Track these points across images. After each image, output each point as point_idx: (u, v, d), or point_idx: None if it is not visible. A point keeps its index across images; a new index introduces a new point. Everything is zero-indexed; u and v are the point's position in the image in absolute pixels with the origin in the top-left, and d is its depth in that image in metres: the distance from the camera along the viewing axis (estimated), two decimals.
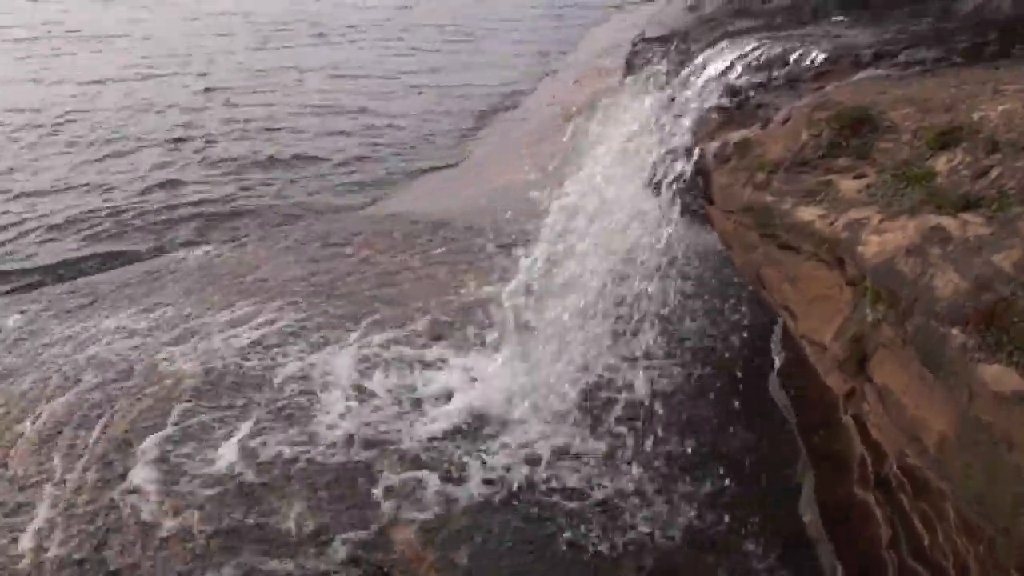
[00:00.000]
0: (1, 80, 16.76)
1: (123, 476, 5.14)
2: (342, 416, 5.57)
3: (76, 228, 9.55)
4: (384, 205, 9.99)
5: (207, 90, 15.78)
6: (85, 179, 11.25)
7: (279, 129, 13.36)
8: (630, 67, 5.52)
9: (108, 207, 10.21)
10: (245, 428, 5.48)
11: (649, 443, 5.16)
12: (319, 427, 5.49)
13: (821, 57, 4.28)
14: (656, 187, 4.75)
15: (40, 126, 13.61)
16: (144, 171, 11.51)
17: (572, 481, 4.96)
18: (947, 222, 2.89)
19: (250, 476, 5.08)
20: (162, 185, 10.95)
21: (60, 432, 5.59)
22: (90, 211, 10.05)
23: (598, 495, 4.85)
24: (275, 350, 6.45)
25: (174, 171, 11.53)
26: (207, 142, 12.86)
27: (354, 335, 6.62)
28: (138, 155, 12.25)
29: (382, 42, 20.67)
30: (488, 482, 4.96)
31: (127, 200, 10.41)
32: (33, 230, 9.49)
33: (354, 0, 26.74)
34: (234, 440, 5.37)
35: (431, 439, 5.35)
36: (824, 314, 3.46)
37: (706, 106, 4.57)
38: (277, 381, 6.02)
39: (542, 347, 5.69)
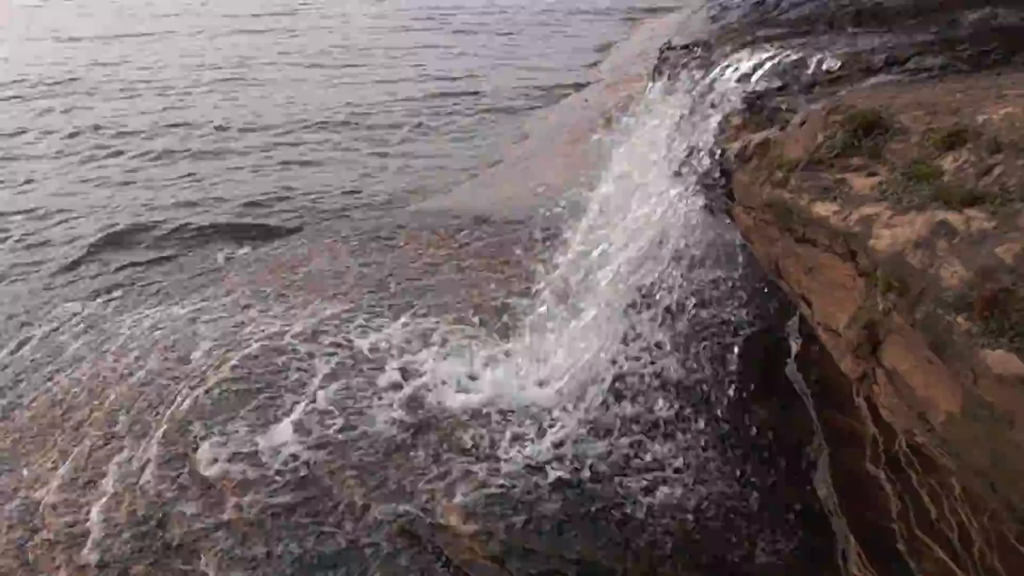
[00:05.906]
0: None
1: (184, 454, 5.27)
2: (390, 397, 5.68)
3: (137, 227, 9.70)
4: (429, 202, 10.09)
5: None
6: (144, 180, 11.45)
7: (326, 129, 13.52)
8: (657, 73, 5.54)
9: (172, 203, 10.41)
10: (300, 408, 5.59)
11: (676, 422, 5.22)
12: (368, 408, 5.61)
13: (836, 64, 4.29)
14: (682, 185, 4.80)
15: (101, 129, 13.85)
16: (199, 170, 11.69)
17: (603, 457, 5.05)
18: (953, 217, 2.92)
19: (304, 453, 5.19)
20: (214, 183, 11.13)
21: (127, 412, 5.73)
22: (151, 210, 10.23)
23: (630, 471, 4.93)
24: (328, 336, 6.56)
25: (228, 169, 11.71)
26: (242, 130, 13.10)
27: (401, 321, 6.73)
28: (189, 155, 12.47)
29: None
30: (525, 458, 5.05)
31: (183, 199, 10.59)
32: (97, 229, 9.65)
33: None
34: (289, 420, 5.49)
35: (472, 418, 5.45)
36: (839, 303, 3.49)
37: (728, 109, 4.60)
38: (330, 365, 6.13)
39: (572, 334, 5.75)
